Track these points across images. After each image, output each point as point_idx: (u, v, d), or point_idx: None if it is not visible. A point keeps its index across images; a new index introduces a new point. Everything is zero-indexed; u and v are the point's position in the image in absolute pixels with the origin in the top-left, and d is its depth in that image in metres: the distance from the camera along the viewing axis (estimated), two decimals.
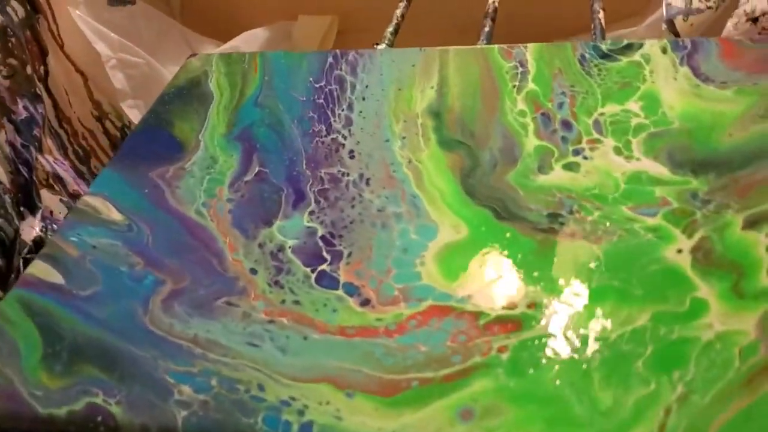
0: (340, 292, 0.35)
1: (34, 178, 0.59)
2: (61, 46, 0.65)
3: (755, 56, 0.43)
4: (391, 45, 0.58)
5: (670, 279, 0.32)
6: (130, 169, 0.46)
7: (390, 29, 0.59)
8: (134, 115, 0.67)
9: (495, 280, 0.34)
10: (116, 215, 0.42)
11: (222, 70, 0.53)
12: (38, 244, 0.57)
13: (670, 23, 0.65)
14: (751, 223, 0.34)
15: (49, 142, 0.63)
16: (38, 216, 0.59)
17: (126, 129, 0.70)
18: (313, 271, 0.37)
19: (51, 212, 0.61)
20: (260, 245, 0.39)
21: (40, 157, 0.61)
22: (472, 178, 0.40)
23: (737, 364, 0.28)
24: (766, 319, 0.30)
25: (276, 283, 0.36)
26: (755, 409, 0.27)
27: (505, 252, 0.35)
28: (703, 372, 0.28)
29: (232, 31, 0.82)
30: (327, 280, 0.36)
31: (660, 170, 0.38)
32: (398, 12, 0.62)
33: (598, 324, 0.31)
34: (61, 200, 0.62)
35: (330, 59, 0.51)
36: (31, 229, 0.58)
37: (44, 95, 0.63)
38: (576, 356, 0.30)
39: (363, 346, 0.32)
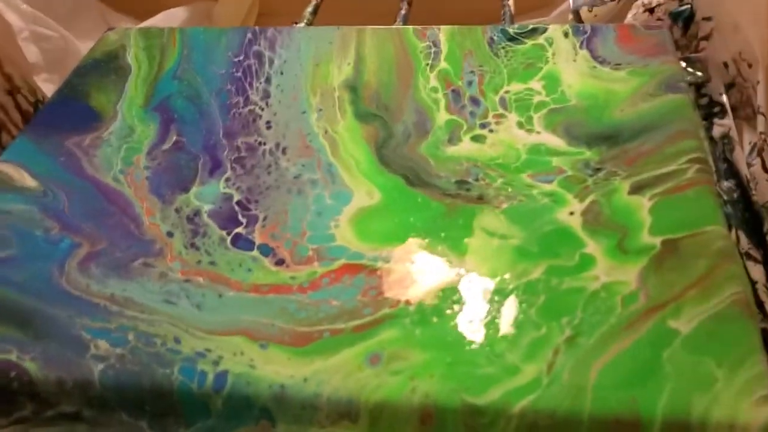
0: (255, 252, 0.36)
1: None
2: None
3: (648, 41, 0.47)
4: (310, 24, 0.59)
5: (562, 237, 0.35)
6: (44, 138, 0.45)
7: (309, 9, 0.60)
8: (48, 89, 0.66)
9: (406, 240, 0.36)
10: (30, 182, 0.42)
11: (140, 44, 0.53)
12: None
13: (576, 14, 0.68)
14: (636, 189, 0.37)
15: None
16: None
17: (39, 104, 0.68)
18: (228, 234, 0.38)
19: None
20: (177, 210, 0.39)
21: None
22: (386, 149, 0.42)
23: (619, 311, 0.31)
24: (645, 271, 0.33)
25: (192, 245, 0.37)
26: (634, 349, 0.30)
27: (416, 215, 0.37)
28: (588, 317, 0.31)
29: (151, 10, 0.81)
30: (242, 242, 0.37)
31: (557, 142, 0.41)
32: None
33: (497, 277, 0.33)
34: None
35: (249, 35, 0.52)
36: None
37: None
38: (476, 305, 0.32)
39: (277, 302, 0.34)
